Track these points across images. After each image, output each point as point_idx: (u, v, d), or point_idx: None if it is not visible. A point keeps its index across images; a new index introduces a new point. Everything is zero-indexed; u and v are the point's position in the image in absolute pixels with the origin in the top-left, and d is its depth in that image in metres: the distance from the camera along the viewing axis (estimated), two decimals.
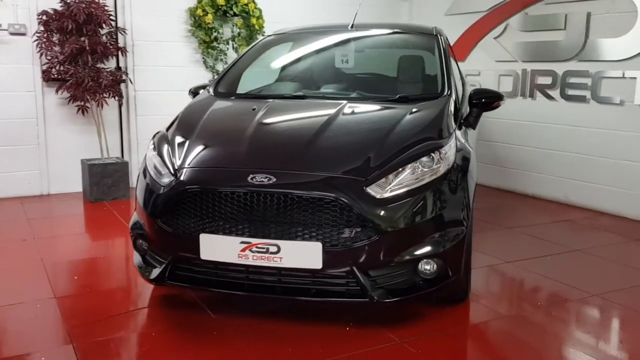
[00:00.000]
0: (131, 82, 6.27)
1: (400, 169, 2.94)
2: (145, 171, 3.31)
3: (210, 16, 6.39)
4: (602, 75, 5.59)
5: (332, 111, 3.41)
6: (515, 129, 6.43)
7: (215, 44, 6.61)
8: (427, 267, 2.96)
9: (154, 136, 3.53)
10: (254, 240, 2.83)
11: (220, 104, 3.80)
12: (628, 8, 5.33)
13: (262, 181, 2.86)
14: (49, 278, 3.80)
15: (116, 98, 6.06)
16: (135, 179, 6.17)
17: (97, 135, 6.02)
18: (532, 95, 6.26)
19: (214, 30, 6.54)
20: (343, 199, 2.78)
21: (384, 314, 3.24)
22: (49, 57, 5.70)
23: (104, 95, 5.83)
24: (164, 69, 6.55)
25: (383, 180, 2.89)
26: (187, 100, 6.53)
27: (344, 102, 3.59)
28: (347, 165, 2.97)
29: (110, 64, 6.11)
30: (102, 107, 5.90)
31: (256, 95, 4.03)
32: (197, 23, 6.50)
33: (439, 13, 7.30)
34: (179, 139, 3.34)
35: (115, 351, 2.90)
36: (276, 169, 2.93)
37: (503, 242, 4.73)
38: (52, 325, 3.17)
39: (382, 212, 2.82)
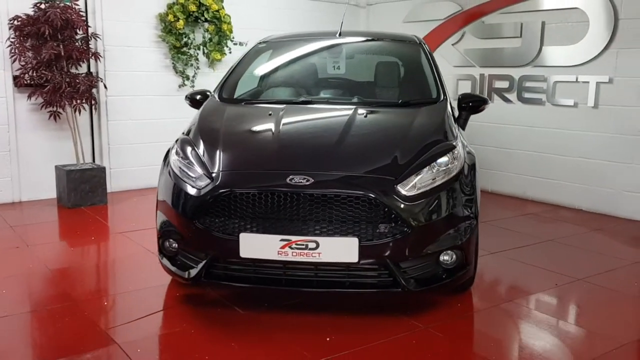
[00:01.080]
0: (105, 87, 6.24)
1: (423, 169, 3.20)
2: (170, 175, 3.42)
3: (181, 22, 6.45)
4: (556, 80, 6.10)
5: (347, 115, 3.65)
6: (475, 131, 6.86)
7: (185, 49, 6.67)
8: (447, 257, 3.24)
9: (177, 141, 3.63)
10: (293, 238, 3.02)
11: (234, 109, 3.95)
12: (580, 18, 5.86)
13: (301, 182, 3.05)
14: (61, 283, 3.81)
15: (91, 103, 6.02)
16: (110, 184, 6.26)
17: (72, 141, 5.96)
18: (490, 99, 6.70)
19: (184, 35, 6.61)
20: (378, 197, 3.02)
21: (399, 304, 3.48)
22: (23, 63, 5.61)
23: (81, 100, 5.79)
24: (134, 74, 6.56)
25: (410, 179, 3.15)
26: (158, 105, 6.67)
27: (353, 106, 3.83)
28: (377, 166, 3.22)
29: (82, 70, 6.05)
30: (79, 113, 5.86)
31: (264, 101, 4.19)
32: (167, 28, 6.55)
33: (396, 20, 7.67)
34: (205, 144, 3.47)
35: (162, 348, 3.01)
36: (312, 171, 3.12)
37: (480, 235, 5.08)
38: (87, 328, 3.22)
39: (412, 209, 3.08)
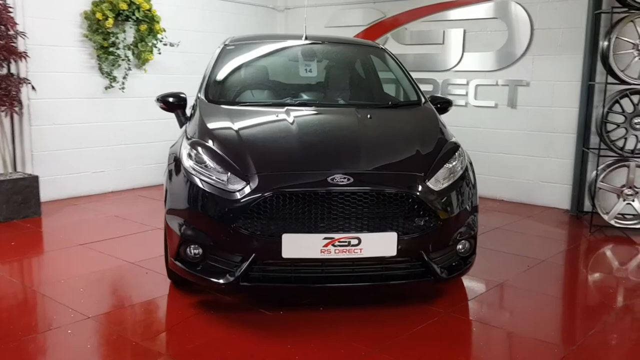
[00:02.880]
0: (34, 89, 5.77)
1: (443, 165, 3.46)
2: (190, 180, 3.35)
3: (110, 20, 6.15)
4: (478, 83, 6.68)
5: (352, 116, 3.82)
6: None
7: (112, 49, 6.37)
8: (461, 246, 3.52)
9: (188, 146, 3.54)
10: (336, 236, 3.12)
11: (236, 111, 3.91)
12: (499, 27, 6.48)
13: (342, 181, 3.16)
14: (61, 301, 3.56)
15: (19, 107, 5.56)
16: (43, 193, 5.81)
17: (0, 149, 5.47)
18: None
19: (112, 35, 6.31)
20: (414, 192, 3.22)
21: (412, 294, 3.71)
22: None
23: (11, 104, 5.33)
24: (57, 75, 6.14)
25: (435, 174, 3.38)
26: (84, 108, 6.29)
27: (349, 108, 4.00)
28: (404, 163, 3.43)
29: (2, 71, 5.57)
30: (12, 117, 5.39)
31: (260, 103, 4.21)
32: (93, 27, 6.21)
33: (317, 25, 7.86)
34: (224, 146, 3.44)
35: (209, 356, 2.94)
36: (349, 170, 3.24)
37: None
38: (121, 342, 3.07)
39: (441, 202, 3.31)
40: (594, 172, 5.50)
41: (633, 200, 5.25)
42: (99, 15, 6.12)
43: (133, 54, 6.53)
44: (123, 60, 6.46)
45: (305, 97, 4.37)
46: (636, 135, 5.20)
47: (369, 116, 3.86)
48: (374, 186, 3.20)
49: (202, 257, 3.32)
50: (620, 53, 5.16)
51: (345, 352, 2.99)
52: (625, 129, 5.22)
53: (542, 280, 4.15)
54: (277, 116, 3.79)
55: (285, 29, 8.35)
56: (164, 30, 6.57)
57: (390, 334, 3.19)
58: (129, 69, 6.51)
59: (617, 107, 5.22)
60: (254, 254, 3.16)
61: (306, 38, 4.83)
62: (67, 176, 6.28)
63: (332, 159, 3.36)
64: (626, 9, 5.12)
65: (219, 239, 3.23)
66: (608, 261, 4.74)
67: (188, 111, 4.38)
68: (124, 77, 6.49)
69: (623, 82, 5.19)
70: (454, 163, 3.54)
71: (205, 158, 3.40)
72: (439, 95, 4.78)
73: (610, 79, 5.40)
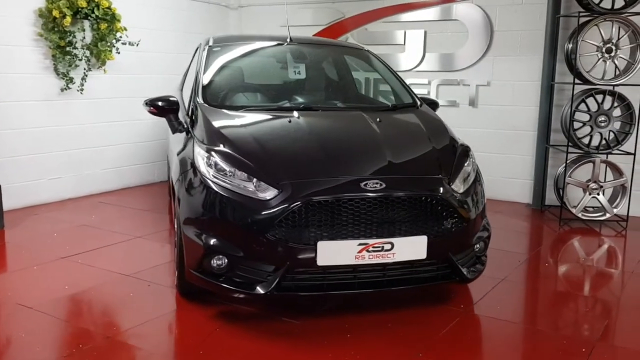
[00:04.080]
0: None
1: (461, 168, 3.55)
2: (211, 189, 3.25)
3: (68, 19, 5.81)
4: (439, 83, 6.86)
5: (364, 119, 3.84)
6: None
7: (69, 48, 6.02)
8: (478, 246, 3.62)
9: (205, 153, 3.42)
10: (370, 241, 3.13)
11: (244, 116, 3.82)
12: (460, 29, 6.69)
13: (375, 187, 3.17)
14: (67, 320, 3.35)
15: None
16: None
17: None
18: None
19: (69, 34, 5.97)
20: (444, 196, 3.28)
21: (424, 295, 3.77)
22: None
23: None
24: (9, 76, 5.73)
25: (457, 177, 3.46)
26: (38, 111, 5.90)
27: (355, 112, 4.02)
28: (429, 166, 3.48)
29: None
30: None
31: (265, 108, 4.16)
32: (49, 26, 5.85)
33: (272, 24, 7.79)
34: (245, 153, 3.36)
35: None
36: (380, 175, 3.25)
37: None
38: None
39: (465, 205, 3.39)
40: (561, 168, 5.80)
41: (598, 194, 5.57)
42: (55, 13, 5.76)
43: (91, 53, 6.19)
44: (81, 60, 6.12)
45: (307, 100, 4.34)
46: (600, 133, 5.53)
47: (378, 119, 3.88)
48: (407, 191, 3.23)
49: (229, 268, 3.23)
50: (584, 55, 5.46)
51: (391, 355, 3.00)
52: (591, 126, 5.53)
53: (541, 275, 4.34)
54: (289, 121, 3.73)
55: (239, 28, 8.20)
56: (125, 29, 6.28)
57: (423, 336, 3.24)
58: (89, 69, 6.17)
59: (582, 106, 5.52)
60: (288, 263, 3.11)
61: (291, 40, 4.78)
62: (23, 184, 5.89)
63: (361, 165, 3.37)
64: (589, 13, 5.41)
65: (250, 249, 3.15)
66: (595, 252, 5.01)
67: (180, 116, 4.23)
68: (83, 79, 6.15)
69: (587, 82, 5.49)
70: (469, 165, 3.63)
71: (226, 165, 3.31)
72: (426, 96, 4.87)
73: (572, 79, 5.70)
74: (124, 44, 6.37)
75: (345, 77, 4.80)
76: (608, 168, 5.66)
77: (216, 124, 3.68)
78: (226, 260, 3.22)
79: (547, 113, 6.14)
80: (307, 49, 4.87)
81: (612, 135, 5.55)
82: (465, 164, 3.60)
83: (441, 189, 3.31)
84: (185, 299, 3.65)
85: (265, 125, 3.76)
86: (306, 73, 4.77)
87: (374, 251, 3.14)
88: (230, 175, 3.27)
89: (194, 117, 3.93)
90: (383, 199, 3.16)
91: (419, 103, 4.37)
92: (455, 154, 3.64)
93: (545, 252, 4.88)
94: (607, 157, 5.60)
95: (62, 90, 6.10)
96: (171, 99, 4.25)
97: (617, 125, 5.52)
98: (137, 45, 6.45)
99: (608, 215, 5.58)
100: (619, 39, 5.38)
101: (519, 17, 6.32)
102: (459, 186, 3.43)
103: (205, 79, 4.23)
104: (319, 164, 3.34)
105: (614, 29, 5.37)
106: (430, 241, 3.23)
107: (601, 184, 5.57)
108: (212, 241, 3.24)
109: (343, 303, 3.60)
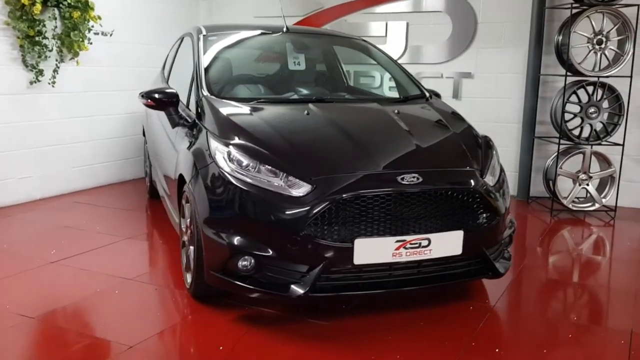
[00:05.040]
0: None
1: (489, 160, 3.45)
2: (237, 186, 3.04)
3: (38, 6, 5.40)
4: (423, 76, 6.79)
5: (385, 111, 3.70)
6: None
7: (39, 38, 5.62)
8: (505, 240, 3.53)
9: (224, 148, 3.20)
10: (408, 238, 2.99)
11: (260, 109, 3.62)
12: (443, 21, 6.63)
13: (412, 181, 3.03)
14: (83, 330, 3.08)
15: None
16: None
17: None
18: None
19: (39, 22, 5.57)
20: (480, 189, 3.18)
21: (440, 293, 3.65)
22: None
23: None
24: None
25: (488, 170, 3.36)
26: (5, 106, 5.46)
27: (370, 103, 3.88)
28: (460, 159, 3.36)
29: None
30: None
31: (276, 99, 3.98)
32: (17, 13, 5.44)
33: (246, 14, 7.57)
34: (271, 149, 3.17)
35: None
36: (418, 168, 3.11)
37: None
38: None
39: (498, 198, 3.30)
40: (550, 160, 5.83)
41: (587, 185, 5.63)
42: (24, 0, 5.35)
43: (63, 44, 5.80)
44: (51, 51, 5.72)
45: (314, 92, 4.17)
46: (590, 124, 5.57)
47: (396, 111, 3.75)
48: (445, 184, 3.11)
49: (257, 269, 3.03)
50: (575, 47, 5.48)
51: (434, 355, 2.89)
52: (581, 118, 5.57)
53: (554, 266, 4.31)
54: (307, 113, 3.56)
55: (210, 18, 7.91)
56: (100, 18, 5.92)
57: (459, 334, 3.13)
58: (61, 60, 5.78)
59: (573, 98, 5.55)
60: (324, 262, 2.93)
61: (287, 30, 4.59)
62: None
63: (394, 158, 3.22)
64: (579, 5, 5.43)
65: (282, 248, 2.96)
66: (601, 241, 5.07)
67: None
68: (55, 71, 5.76)
69: (578, 74, 5.52)
70: (495, 156, 3.54)
71: (249, 160, 3.10)
72: (427, 88, 4.75)
73: (562, 71, 5.73)
74: (96, 34, 6.00)
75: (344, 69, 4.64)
76: (596, 159, 5.71)
77: (231, 117, 3.47)
78: (254, 261, 3.02)
79: (533, 105, 6.16)
80: (307, 40, 4.68)
81: (600, 127, 5.60)
82: (492, 156, 3.51)
83: (478, 182, 3.21)
84: (200, 303, 3.43)
85: (282, 118, 3.56)
86: (308, 64, 4.59)
87: (411, 248, 3.00)
88: (255, 171, 3.07)
89: (200, 110, 3.69)
90: (422, 193, 3.02)
91: (427, 94, 4.26)
92: (480, 146, 3.54)
93: (547, 242, 4.87)
94: (591, 148, 5.64)
95: (31, 83, 5.69)
96: (170, 90, 4.02)
97: (605, 116, 5.57)
98: (111, 35, 6.10)
99: (597, 205, 5.64)
100: (609, 30, 5.43)
101: (503, 9, 6.31)
102: (490, 179, 3.34)
103: (207, 70, 3.99)
104: (351, 158, 3.18)
105: (604, 21, 5.41)
106: (466, 236, 3.12)
107: (591, 174, 5.63)
108: (238, 241, 3.03)
109: (362, 303, 3.45)
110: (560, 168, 5.61)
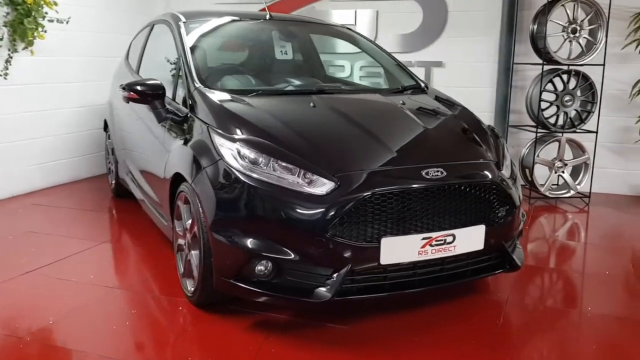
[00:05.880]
0: None
1: (503, 152, 3.37)
2: (249, 185, 2.82)
3: None
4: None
5: (392, 102, 3.56)
6: None
7: None
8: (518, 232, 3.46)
9: (233, 144, 2.96)
10: (434, 234, 2.86)
11: (262, 102, 3.39)
12: (413, 9, 6.54)
13: (437, 175, 2.90)
14: (86, 351, 2.78)
15: None
16: None
17: None
18: None
19: None
20: (499, 181, 3.08)
21: (450, 289, 3.55)
22: None
23: None
24: None
25: (503, 162, 3.27)
26: None
27: (376, 94, 3.73)
28: (476, 150, 3.24)
29: None
30: None
31: (276, 91, 3.77)
32: None
33: (205, 1, 7.23)
34: (285, 143, 2.95)
35: None
36: (440, 162, 2.98)
37: None
38: None
39: (513, 190, 3.21)
40: (525, 148, 5.85)
41: (563, 172, 5.68)
42: None
43: (15, 32, 5.33)
44: (1, 39, 5.25)
45: (309, 83, 3.98)
46: (566, 112, 5.62)
47: (401, 102, 3.61)
48: (467, 178, 3.00)
49: (276, 273, 2.83)
50: (551, 35, 5.50)
51: (464, 354, 2.77)
52: (557, 106, 5.61)
53: (556, 256, 4.31)
54: (314, 106, 3.36)
55: (166, 6, 7.51)
56: (56, 4, 5.47)
57: (484, 331, 3.04)
58: (14, 50, 5.32)
59: (549, 87, 5.58)
60: (349, 264, 2.76)
61: (271, 17, 4.37)
62: None
63: (414, 151, 3.08)
64: None
65: (304, 251, 2.77)
66: (577, 227, 5.10)
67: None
68: (7, 61, 5.29)
69: (552, 62, 5.55)
70: (505, 147, 3.46)
71: (262, 156, 2.89)
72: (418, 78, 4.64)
73: (535, 59, 5.75)
74: (51, 21, 5.55)
75: (341, 58, 4.46)
76: (569, 146, 5.77)
77: (234, 110, 3.23)
78: (271, 265, 2.82)
79: (506, 94, 6.16)
80: (294, 28, 4.47)
81: (574, 114, 5.66)
82: (503, 146, 3.43)
83: (497, 174, 3.11)
84: (204, 312, 3.19)
85: (289, 111, 3.35)
86: (295, 53, 4.40)
87: (436, 245, 2.88)
88: (269, 168, 2.85)
89: (193, 104, 3.43)
90: (447, 187, 2.89)
91: (422, 85, 4.14)
92: (489, 138, 3.45)
93: (540, 231, 4.87)
94: (563, 136, 5.69)
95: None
96: (154, 82, 3.73)
97: (578, 104, 5.63)
98: (67, 23, 5.67)
99: (572, 192, 5.71)
100: (583, 20, 5.47)
101: None
102: (506, 170, 3.25)
103: (196, 60, 3.71)
104: (371, 152, 3.01)
105: (578, 10, 5.45)
106: (487, 230, 3.02)
107: (566, 162, 5.68)
108: (254, 244, 2.81)
109: (377, 303, 3.29)
110: (537, 156, 5.63)
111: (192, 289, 3.21)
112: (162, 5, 7.48)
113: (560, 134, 5.65)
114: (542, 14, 5.54)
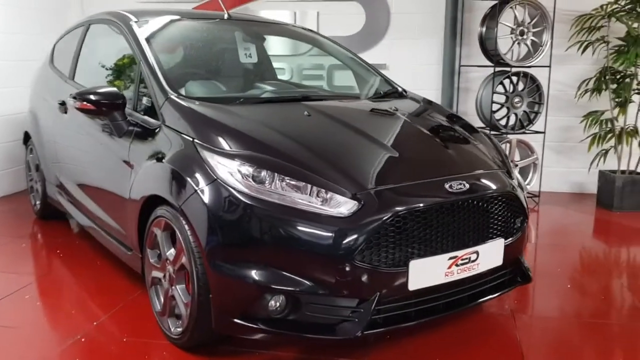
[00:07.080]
0: None
1: (508, 158, 3.20)
2: (256, 208, 2.45)
3: None
4: (334, 67, 6.43)
5: (388, 111, 3.33)
6: None
7: None
8: None
9: (235, 163, 2.55)
10: (459, 253, 2.63)
11: (249, 111, 3.01)
12: (354, 11, 6.34)
13: (460, 188, 2.66)
14: None
15: None
16: None
17: None
18: None
19: None
20: (518, 193, 2.90)
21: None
22: None
23: None
24: None
25: (511, 170, 3.10)
26: None
27: (365, 100, 3.47)
28: (487, 160, 3.04)
29: None
30: None
31: (257, 99, 3.40)
32: None
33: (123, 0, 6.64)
34: (291, 159, 2.60)
35: None
36: (461, 173, 2.75)
37: None
38: None
39: (523, 198, 3.04)
40: None
41: None
42: None
43: None
44: None
45: (284, 89, 3.64)
46: (515, 114, 5.62)
47: (394, 108, 3.35)
48: (489, 190, 2.78)
49: (292, 309, 2.48)
50: (500, 38, 5.47)
51: None
52: (508, 108, 5.60)
53: (549, 259, 4.22)
54: (308, 115, 3.03)
55: (81, 3, 6.82)
56: None
57: (504, 347, 2.86)
58: None
59: (499, 89, 5.56)
60: (377, 293, 2.46)
61: (229, 17, 3.98)
62: None
63: (433, 163, 2.83)
64: None
65: (328, 281, 2.43)
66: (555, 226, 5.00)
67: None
68: None
69: (501, 64, 5.53)
70: (507, 156, 3.30)
71: (267, 174, 2.52)
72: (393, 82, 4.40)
73: (482, 61, 5.72)
74: None
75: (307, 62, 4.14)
76: (518, 147, 5.79)
77: (224, 122, 2.83)
78: (285, 299, 2.46)
79: (451, 96, 6.10)
80: (257, 29, 4.10)
81: (523, 115, 5.67)
82: (506, 156, 3.26)
83: (512, 185, 2.93)
84: (194, 355, 2.76)
85: (284, 121, 2.99)
86: (260, 56, 4.01)
87: (462, 264, 2.64)
88: (277, 187, 2.49)
89: (167, 115, 2.98)
90: (471, 200, 2.66)
91: (400, 89, 3.91)
92: (491, 143, 3.27)
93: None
94: (513, 137, 5.70)
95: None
96: (110, 90, 3.24)
97: (526, 105, 5.65)
98: None
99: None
100: (530, 22, 5.50)
101: (418, 0, 6.17)
102: (516, 180, 3.07)
103: (161, 66, 3.25)
104: (388, 165, 2.72)
105: (525, 12, 5.47)
106: (506, 244, 2.83)
107: (516, 163, 5.69)
108: (266, 276, 2.44)
109: (386, 331, 2.99)
110: None
111: (180, 330, 2.76)
112: (76, 4, 6.79)
113: (511, 136, 5.64)
114: (490, 17, 5.52)
